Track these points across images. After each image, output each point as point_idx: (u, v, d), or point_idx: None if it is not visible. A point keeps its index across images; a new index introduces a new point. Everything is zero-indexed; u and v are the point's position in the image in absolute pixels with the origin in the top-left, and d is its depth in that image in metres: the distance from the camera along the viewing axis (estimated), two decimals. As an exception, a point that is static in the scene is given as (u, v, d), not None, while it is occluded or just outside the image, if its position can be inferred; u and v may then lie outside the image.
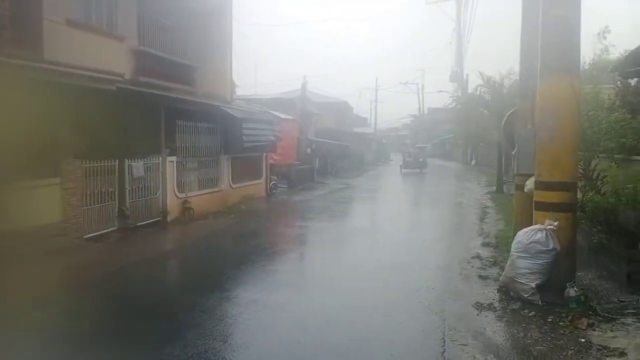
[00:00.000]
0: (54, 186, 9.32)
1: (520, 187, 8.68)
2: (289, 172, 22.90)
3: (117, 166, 10.98)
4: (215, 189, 15.21)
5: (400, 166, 36.58)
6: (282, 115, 22.20)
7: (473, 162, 44.29)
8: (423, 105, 66.20)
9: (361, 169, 37.88)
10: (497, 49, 33.96)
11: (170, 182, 12.73)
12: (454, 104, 30.62)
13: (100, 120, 9.49)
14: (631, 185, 8.15)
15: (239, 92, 23.40)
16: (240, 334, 5.57)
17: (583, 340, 5.10)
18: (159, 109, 12.36)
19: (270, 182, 19.61)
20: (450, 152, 60.09)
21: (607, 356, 4.73)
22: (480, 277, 7.61)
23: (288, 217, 15.80)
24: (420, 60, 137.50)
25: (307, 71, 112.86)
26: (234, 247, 10.70)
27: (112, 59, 10.32)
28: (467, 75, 36.10)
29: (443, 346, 5.05)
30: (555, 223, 6.17)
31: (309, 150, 27.14)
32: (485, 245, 10.00)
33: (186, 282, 8.26)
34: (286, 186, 21.98)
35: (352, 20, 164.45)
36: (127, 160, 11.21)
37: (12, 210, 8.16)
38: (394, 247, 10.53)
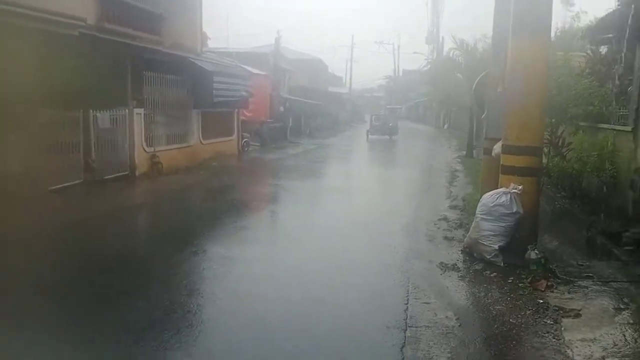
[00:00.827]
0: (14, 135, 8.95)
1: (488, 151, 8.75)
2: (261, 129, 22.62)
3: (81, 117, 10.62)
4: (185, 145, 14.93)
5: (367, 131, 30.98)
6: (255, 71, 21.70)
7: (446, 126, 44.60)
8: (398, 67, 65.84)
9: (335, 129, 37.73)
10: (475, 10, 33.77)
11: (137, 135, 12.42)
12: (429, 66, 30.53)
13: (63, 68, 9.08)
14: (596, 153, 8.32)
15: (210, 44, 22.75)
16: (208, 288, 5.57)
17: (541, 301, 5.25)
18: (125, 59, 11.90)
19: (242, 139, 19.36)
20: (424, 116, 60.23)
21: (563, 317, 4.88)
22: (445, 238, 7.73)
23: (260, 175, 15.71)
24: (396, 20, 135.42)
25: (281, 24, 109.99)
26: (204, 203, 10.61)
27: (75, 4, 9.81)
28: (442, 37, 35.94)
29: (406, 304, 5.15)
30: (520, 187, 6.25)
31: (282, 108, 26.76)
32: (452, 207, 10.14)
33: (154, 236, 8.17)
34: (258, 144, 21.76)
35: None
36: (91, 110, 10.84)
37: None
38: (363, 208, 10.63)
